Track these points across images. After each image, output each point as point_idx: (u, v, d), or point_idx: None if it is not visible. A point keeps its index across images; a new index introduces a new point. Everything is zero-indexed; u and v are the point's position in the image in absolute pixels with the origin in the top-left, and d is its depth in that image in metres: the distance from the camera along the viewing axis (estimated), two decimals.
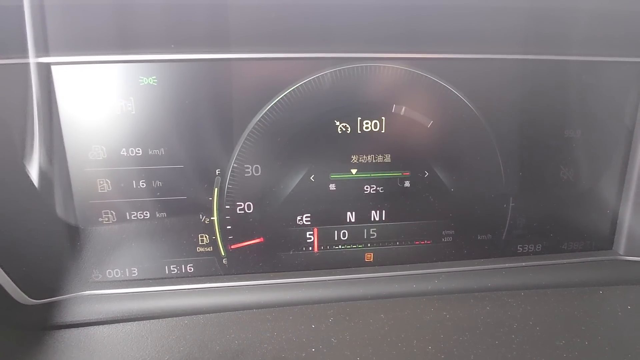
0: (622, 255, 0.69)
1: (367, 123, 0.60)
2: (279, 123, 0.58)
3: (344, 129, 0.60)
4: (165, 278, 0.61)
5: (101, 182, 0.57)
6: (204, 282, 0.61)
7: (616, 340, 0.51)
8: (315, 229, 0.63)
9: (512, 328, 0.53)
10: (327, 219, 0.63)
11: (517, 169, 0.64)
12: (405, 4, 0.54)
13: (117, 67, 0.54)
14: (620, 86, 0.63)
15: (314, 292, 0.61)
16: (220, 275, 0.62)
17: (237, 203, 0.60)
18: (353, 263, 0.65)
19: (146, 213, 0.59)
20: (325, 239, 0.64)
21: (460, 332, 0.53)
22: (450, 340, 0.51)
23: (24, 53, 0.51)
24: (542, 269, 0.66)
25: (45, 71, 0.53)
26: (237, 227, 0.61)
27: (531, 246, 0.68)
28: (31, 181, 0.53)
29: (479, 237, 0.66)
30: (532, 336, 0.52)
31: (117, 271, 0.60)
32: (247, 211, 0.61)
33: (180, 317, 0.56)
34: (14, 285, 0.54)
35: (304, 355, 0.49)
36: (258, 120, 0.58)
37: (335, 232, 0.64)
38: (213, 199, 0.60)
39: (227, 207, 0.60)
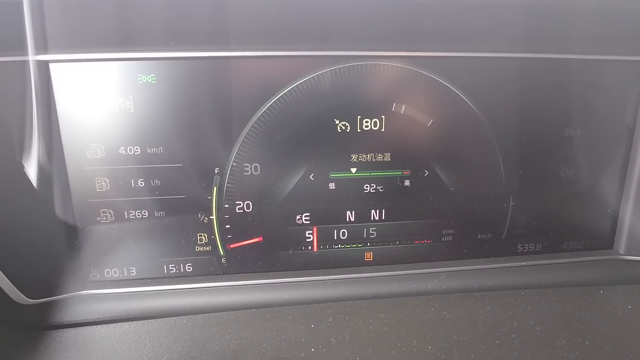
0: (622, 255, 0.69)
1: (367, 122, 0.60)
2: (278, 121, 0.58)
3: (343, 128, 0.59)
4: (164, 277, 0.61)
5: (99, 180, 0.57)
6: (203, 282, 0.61)
7: (617, 340, 0.51)
8: (315, 228, 0.63)
9: (513, 328, 0.53)
10: (326, 218, 0.63)
11: (517, 168, 0.64)
12: (405, 1, 0.54)
13: (116, 65, 0.54)
14: (620, 85, 0.63)
15: (313, 291, 0.60)
16: (219, 274, 0.62)
17: (236, 202, 0.60)
18: (353, 262, 0.64)
19: (144, 212, 0.58)
20: (325, 238, 0.63)
21: (460, 331, 0.52)
22: (450, 340, 0.51)
23: (22, 50, 0.51)
24: (543, 268, 0.66)
25: (43, 69, 0.52)
26: (236, 226, 0.61)
27: (531, 245, 0.67)
28: (29, 180, 0.53)
29: (479, 237, 0.66)
30: (532, 336, 0.52)
31: (115, 270, 0.60)
32: (246, 210, 0.60)
33: (178, 317, 0.56)
34: (12, 284, 0.54)
35: (303, 355, 0.49)
36: (257, 119, 0.58)
37: (335, 231, 0.63)
38: (212, 197, 0.59)
39: (226, 206, 0.60)
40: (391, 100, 0.59)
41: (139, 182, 0.57)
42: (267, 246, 0.62)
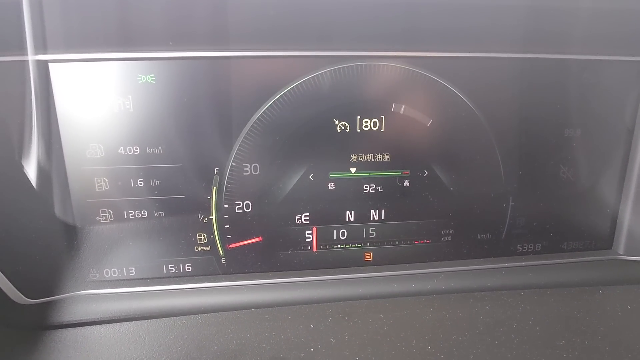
0: (621, 255, 0.69)
1: (366, 122, 0.60)
2: (277, 121, 0.58)
3: (343, 128, 0.59)
4: (163, 277, 0.61)
5: (99, 180, 0.57)
6: (202, 282, 0.61)
7: (616, 340, 0.51)
8: (314, 228, 0.63)
9: (512, 328, 0.53)
10: (326, 218, 0.63)
11: (516, 168, 0.64)
12: (405, 2, 0.54)
13: (115, 65, 0.54)
14: (620, 85, 0.63)
15: (312, 291, 0.60)
16: (219, 274, 0.62)
17: (236, 202, 0.60)
18: (352, 262, 0.64)
19: (144, 212, 0.58)
20: (324, 239, 0.63)
21: (459, 331, 0.52)
22: (450, 340, 0.51)
23: (21, 50, 0.51)
24: (542, 268, 0.66)
25: (42, 69, 0.52)
26: (236, 226, 0.61)
27: (531, 246, 0.67)
28: (28, 179, 0.53)
29: (478, 237, 0.66)
30: (531, 336, 0.52)
31: (114, 270, 0.60)
32: (245, 210, 0.60)
33: (178, 317, 0.56)
34: (11, 284, 0.54)
35: (302, 355, 0.49)
36: (257, 119, 0.58)
37: (335, 231, 0.63)
38: (211, 197, 0.59)
39: (225, 206, 0.60)
40: (391, 100, 0.59)
41: (139, 182, 0.57)
42: (266, 246, 0.62)
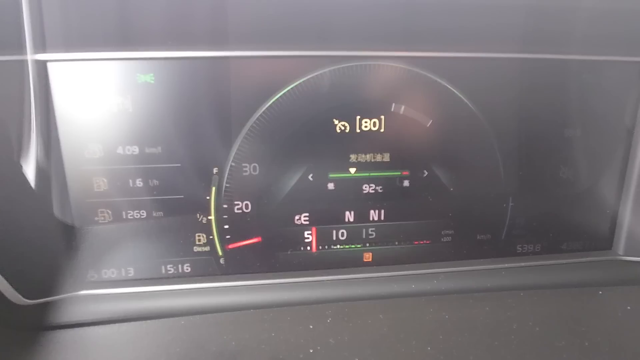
0: (621, 256, 0.69)
1: (366, 122, 0.59)
2: (277, 121, 0.58)
3: (342, 128, 0.59)
4: (162, 278, 0.61)
5: (97, 180, 0.57)
6: (201, 282, 0.60)
7: (615, 341, 0.51)
8: (314, 229, 0.63)
9: (512, 328, 0.53)
10: (325, 218, 0.62)
11: (516, 168, 0.64)
12: (405, 2, 0.54)
13: (114, 65, 0.54)
14: (620, 86, 0.63)
15: (312, 292, 0.60)
16: (218, 275, 0.62)
17: (235, 202, 0.60)
18: (352, 263, 0.64)
19: (143, 212, 0.58)
20: (324, 239, 0.63)
21: (459, 332, 0.52)
22: (450, 340, 0.51)
23: (20, 50, 0.50)
24: (542, 269, 0.66)
25: (41, 68, 0.52)
26: (235, 226, 0.61)
27: (530, 246, 0.67)
28: (26, 179, 0.52)
29: (478, 237, 0.66)
30: (531, 337, 0.52)
31: (112, 271, 0.60)
32: (244, 210, 0.60)
33: (176, 318, 0.56)
34: (8, 285, 0.54)
35: (301, 356, 0.49)
36: (256, 119, 0.57)
37: (334, 231, 0.63)
38: (210, 198, 0.59)
39: (224, 206, 0.60)
40: (390, 100, 0.59)
41: (137, 182, 0.57)
42: (265, 246, 0.62)
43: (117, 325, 0.55)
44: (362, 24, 0.55)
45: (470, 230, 0.66)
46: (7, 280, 0.54)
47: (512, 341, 0.51)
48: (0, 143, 0.51)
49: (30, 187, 0.53)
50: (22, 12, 0.49)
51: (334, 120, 0.59)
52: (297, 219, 0.62)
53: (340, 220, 0.63)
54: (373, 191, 0.62)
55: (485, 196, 0.64)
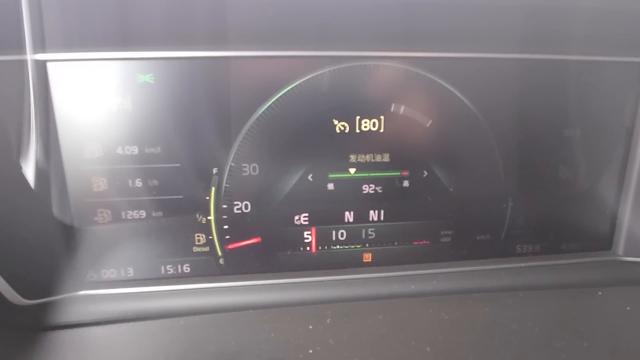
0: (621, 256, 0.69)
1: (365, 122, 0.59)
2: (277, 122, 0.58)
3: (342, 128, 0.59)
4: (161, 278, 0.61)
5: (97, 180, 0.56)
6: (200, 283, 0.60)
7: (615, 341, 0.51)
8: (313, 229, 0.63)
9: (511, 329, 0.53)
10: (325, 218, 0.62)
11: (516, 168, 0.64)
12: (405, 2, 0.54)
13: (114, 65, 0.54)
14: (619, 86, 0.63)
15: (311, 292, 0.60)
16: (217, 275, 0.62)
17: (235, 202, 0.60)
18: (351, 263, 0.64)
19: (142, 212, 0.58)
20: (323, 239, 0.63)
21: (459, 333, 0.52)
22: (449, 341, 0.51)
23: (19, 50, 0.50)
24: (541, 269, 0.66)
25: (41, 68, 0.52)
26: (234, 226, 0.61)
27: (530, 246, 0.67)
28: (26, 179, 0.52)
29: (477, 238, 0.66)
30: (531, 337, 0.52)
31: (112, 271, 0.60)
32: (244, 211, 0.60)
33: (176, 318, 0.56)
34: (7, 285, 0.54)
35: (301, 356, 0.49)
36: (256, 119, 0.57)
37: (334, 232, 0.63)
38: (210, 198, 0.59)
39: (224, 206, 0.60)
40: (390, 100, 0.59)
41: (137, 182, 0.57)
42: (265, 247, 0.62)
43: (116, 325, 0.55)
44: (362, 24, 0.55)
45: (470, 230, 0.66)
46: (6, 281, 0.53)
47: (512, 341, 0.51)
48: (0, 143, 0.51)
49: (30, 187, 0.53)
50: (22, 12, 0.49)
51: (334, 120, 0.59)
52: (297, 219, 0.62)
53: (339, 221, 0.63)
54: (373, 191, 0.62)
55: (484, 196, 0.64)
